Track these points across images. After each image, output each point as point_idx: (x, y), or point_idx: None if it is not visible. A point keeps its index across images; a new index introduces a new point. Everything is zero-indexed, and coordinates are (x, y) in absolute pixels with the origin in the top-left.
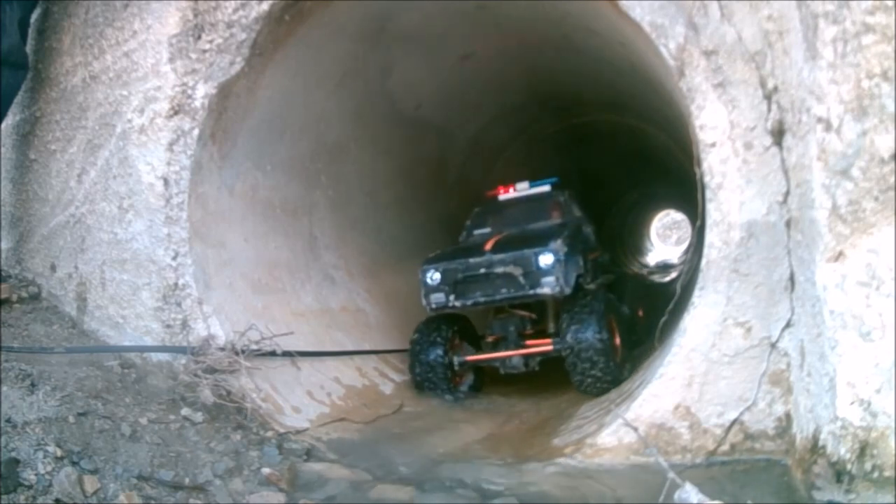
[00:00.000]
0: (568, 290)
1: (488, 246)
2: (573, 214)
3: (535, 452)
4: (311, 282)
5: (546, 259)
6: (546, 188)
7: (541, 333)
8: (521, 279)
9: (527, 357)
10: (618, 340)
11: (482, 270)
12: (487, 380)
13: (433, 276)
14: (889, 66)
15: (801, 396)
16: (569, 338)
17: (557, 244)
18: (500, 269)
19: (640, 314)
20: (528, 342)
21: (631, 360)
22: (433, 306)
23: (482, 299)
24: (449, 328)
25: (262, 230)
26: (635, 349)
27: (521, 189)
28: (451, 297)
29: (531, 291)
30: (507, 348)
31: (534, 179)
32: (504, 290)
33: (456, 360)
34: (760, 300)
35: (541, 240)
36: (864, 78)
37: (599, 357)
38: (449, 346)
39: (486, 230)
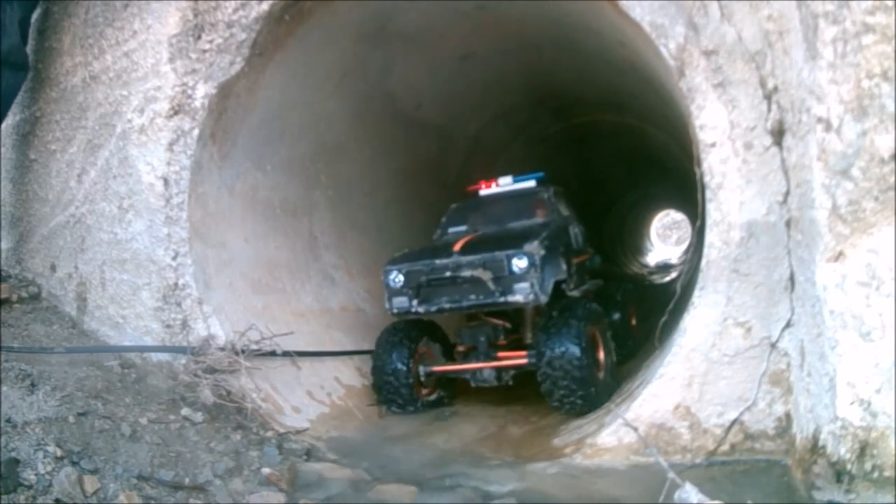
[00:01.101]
0: (543, 299)
1: (457, 246)
2: (560, 213)
3: (536, 452)
4: (311, 282)
5: (519, 262)
6: (531, 184)
7: (517, 344)
8: (491, 284)
9: (499, 370)
10: (601, 355)
11: (447, 273)
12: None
13: (396, 278)
14: (889, 66)
15: (801, 396)
16: (544, 351)
17: (533, 246)
18: (467, 273)
19: (633, 322)
20: (502, 354)
21: (617, 378)
22: (395, 311)
23: (447, 305)
24: (417, 334)
25: (262, 230)
26: (628, 361)
27: (504, 184)
28: (415, 302)
29: (501, 299)
30: (477, 359)
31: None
32: (472, 297)
33: (422, 369)
34: (760, 300)
35: (517, 240)
36: (864, 78)
37: (577, 373)
38: (415, 354)
39: (462, 228)
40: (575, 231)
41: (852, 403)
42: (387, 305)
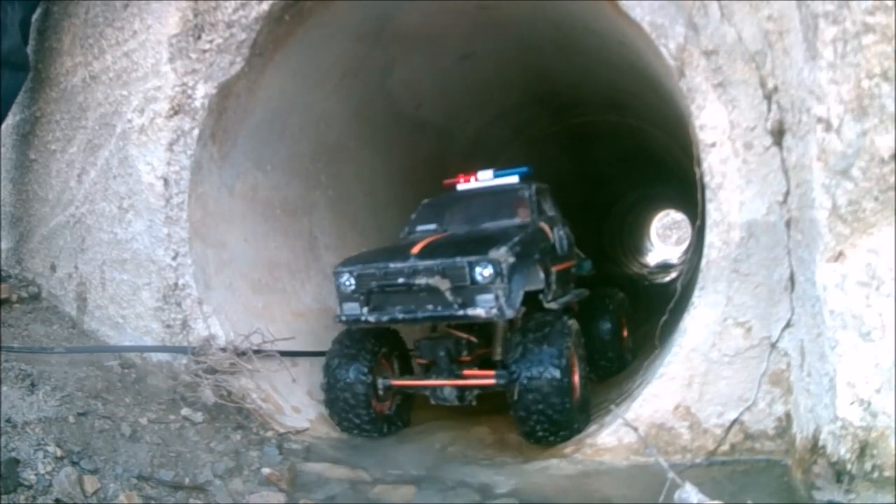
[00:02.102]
0: (510, 314)
1: (416, 249)
2: (543, 213)
3: (536, 452)
4: (311, 282)
5: (483, 271)
6: (513, 180)
7: (485, 360)
8: (449, 295)
9: (462, 389)
10: (576, 378)
11: (401, 280)
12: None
13: (347, 281)
14: (889, 66)
15: (801, 396)
16: (517, 372)
17: (500, 252)
18: (422, 281)
19: (624, 335)
20: (467, 372)
21: (587, 407)
22: (344, 318)
23: (400, 316)
24: (375, 345)
25: (262, 230)
26: (615, 374)
27: (484, 179)
28: (365, 310)
29: (460, 312)
30: (438, 375)
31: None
32: (429, 307)
33: (381, 382)
34: (760, 300)
35: (485, 244)
36: (864, 78)
37: (554, 399)
38: (374, 369)
39: (431, 227)
40: (559, 234)
41: (852, 403)
42: (337, 311)
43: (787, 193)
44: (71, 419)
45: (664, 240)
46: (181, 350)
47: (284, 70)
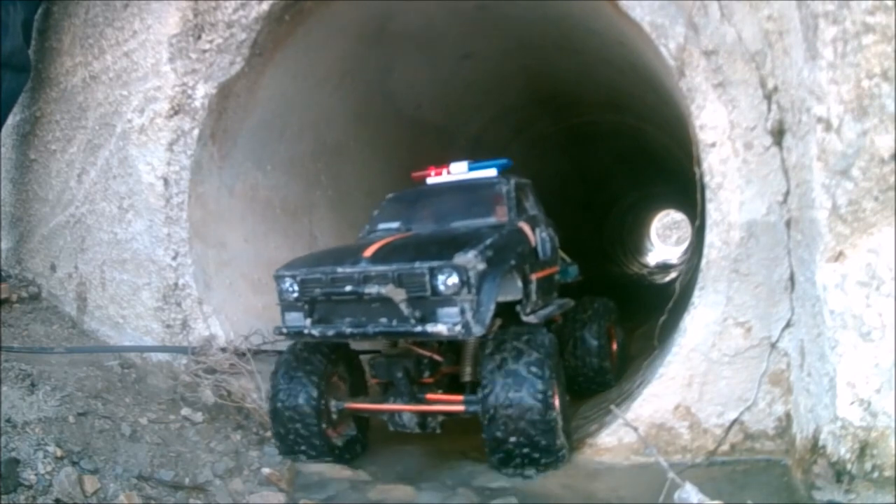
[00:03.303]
0: (478, 331)
1: (369, 251)
2: (524, 211)
3: None
4: None
5: (447, 279)
6: (491, 173)
7: (452, 381)
8: (405, 308)
9: (424, 414)
10: (557, 401)
11: (348, 288)
12: None
13: (290, 287)
14: (889, 66)
15: (801, 396)
16: (493, 398)
17: (468, 257)
18: (374, 290)
19: (613, 347)
20: (432, 396)
21: (570, 432)
22: (285, 331)
23: (348, 330)
24: (328, 358)
25: (262, 230)
26: (599, 393)
27: (457, 172)
28: (308, 322)
29: (418, 328)
30: (396, 398)
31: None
32: (382, 321)
33: (334, 404)
34: (760, 300)
35: (452, 247)
36: (864, 78)
37: (534, 430)
38: (326, 386)
39: (394, 225)
40: (542, 236)
41: (852, 403)
42: (280, 322)
43: (787, 193)
44: (71, 419)
45: (664, 240)
46: (181, 350)
47: (284, 70)
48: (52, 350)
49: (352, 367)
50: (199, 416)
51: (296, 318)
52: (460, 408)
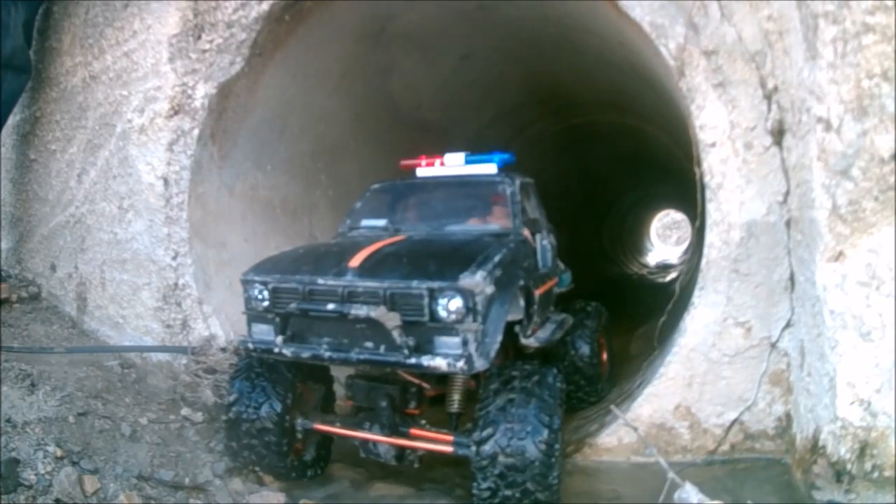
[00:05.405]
0: (482, 366)
1: (356, 260)
2: (526, 214)
3: None
4: None
5: (450, 303)
6: (490, 168)
7: (431, 402)
8: (397, 335)
9: (403, 449)
10: (558, 454)
11: (331, 307)
12: None
13: (260, 295)
14: (889, 66)
15: (801, 396)
16: (492, 444)
17: (476, 278)
18: (362, 312)
19: (604, 358)
20: (415, 431)
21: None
22: (252, 346)
23: (327, 354)
24: (294, 373)
25: (262, 230)
26: (588, 407)
27: (452, 164)
28: (279, 339)
29: (412, 360)
30: (373, 427)
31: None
32: (368, 345)
33: (299, 423)
34: (760, 300)
35: (453, 261)
36: (864, 78)
37: (537, 484)
38: (292, 400)
39: (380, 223)
40: (543, 244)
41: (852, 403)
42: (247, 331)
43: (787, 193)
44: (71, 419)
45: (664, 240)
46: (181, 350)
47: (284, 70)
48: (52, 350)
49: (322, 379)
50: (199, 416)
51: (265, 332)
52: (448, 449)
